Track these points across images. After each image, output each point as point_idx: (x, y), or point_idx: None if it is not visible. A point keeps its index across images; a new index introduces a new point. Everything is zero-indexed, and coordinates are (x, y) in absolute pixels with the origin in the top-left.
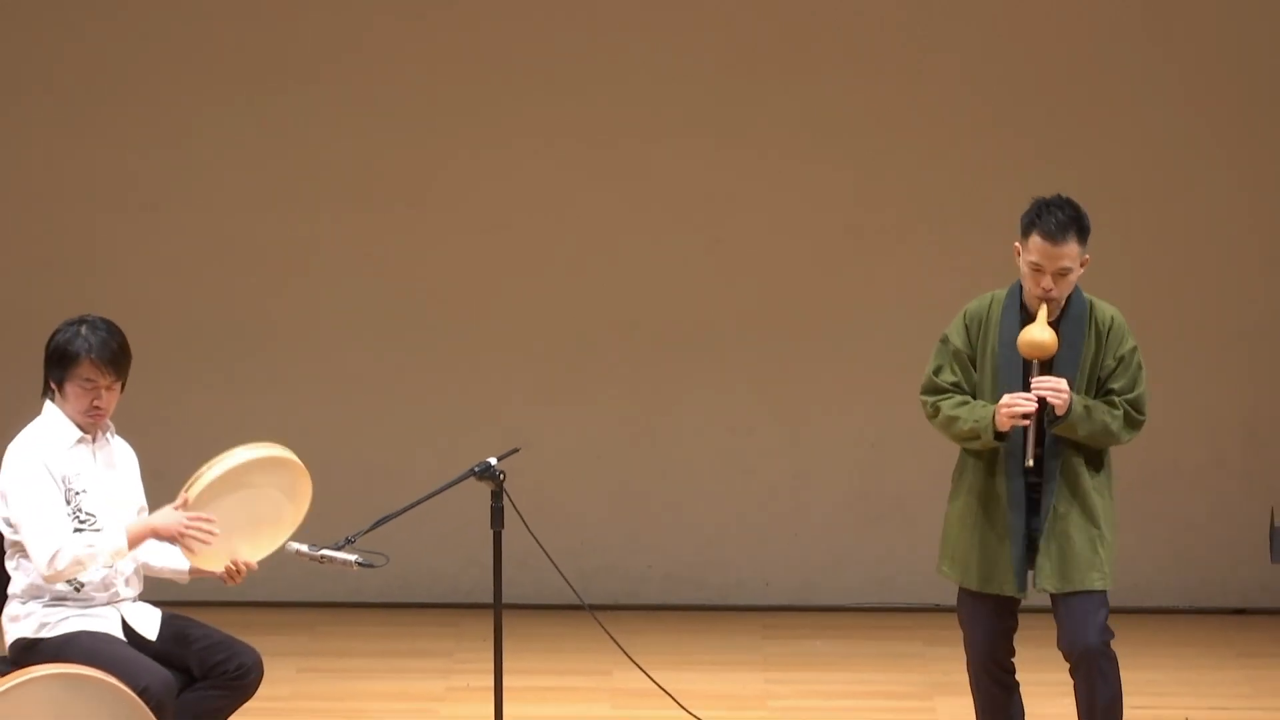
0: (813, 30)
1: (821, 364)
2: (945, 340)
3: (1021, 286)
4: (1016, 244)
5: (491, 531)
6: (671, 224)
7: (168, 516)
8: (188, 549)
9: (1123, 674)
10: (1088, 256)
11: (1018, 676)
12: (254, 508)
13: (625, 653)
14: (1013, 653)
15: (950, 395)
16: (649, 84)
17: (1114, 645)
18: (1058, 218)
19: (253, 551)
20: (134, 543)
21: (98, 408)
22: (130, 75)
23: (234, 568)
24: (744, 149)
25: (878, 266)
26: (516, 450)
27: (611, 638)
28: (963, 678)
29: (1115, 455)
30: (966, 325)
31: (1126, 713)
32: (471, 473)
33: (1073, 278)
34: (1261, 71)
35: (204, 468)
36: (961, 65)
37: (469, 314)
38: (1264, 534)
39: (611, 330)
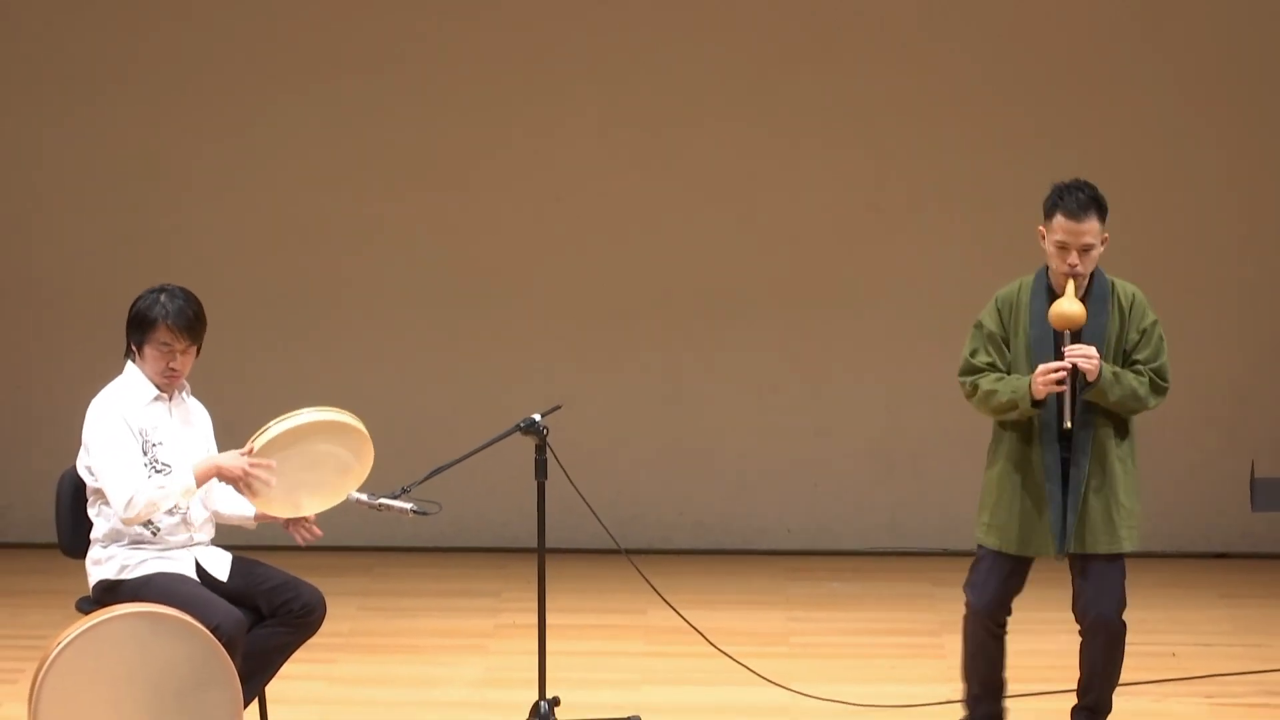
0: (835, 25)
1: (841, 329)
2: (979, 325)
3: (1047, 270)
4: (1040, 227)
5: (536, 482)
6: (705, 202)
7: (232, 458)
8: (249, 490)
9: None
10: (1107, 234)
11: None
12: (316, 465)
13: (659, 593)
14: (1010, 611)
15: (986, 374)
16: (685, 75)
17: None
18: (1079, 198)
19: (314, 503)
20: (201, 479)
21: (173, 369)
22: (205, 68)
23: (306, 531)
24: (772, 133)
25: (894, 241)
26: (559, 407)
27: (646, 579)
28: None
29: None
30: (999, 309)
31: None
32: (517, 428)
33: (1095, 254)
34: (1248, 60)
35: (272, 421)
36: (972, 57)
37: (518, 284)
38: (1245, 485)
39: (648, 298)
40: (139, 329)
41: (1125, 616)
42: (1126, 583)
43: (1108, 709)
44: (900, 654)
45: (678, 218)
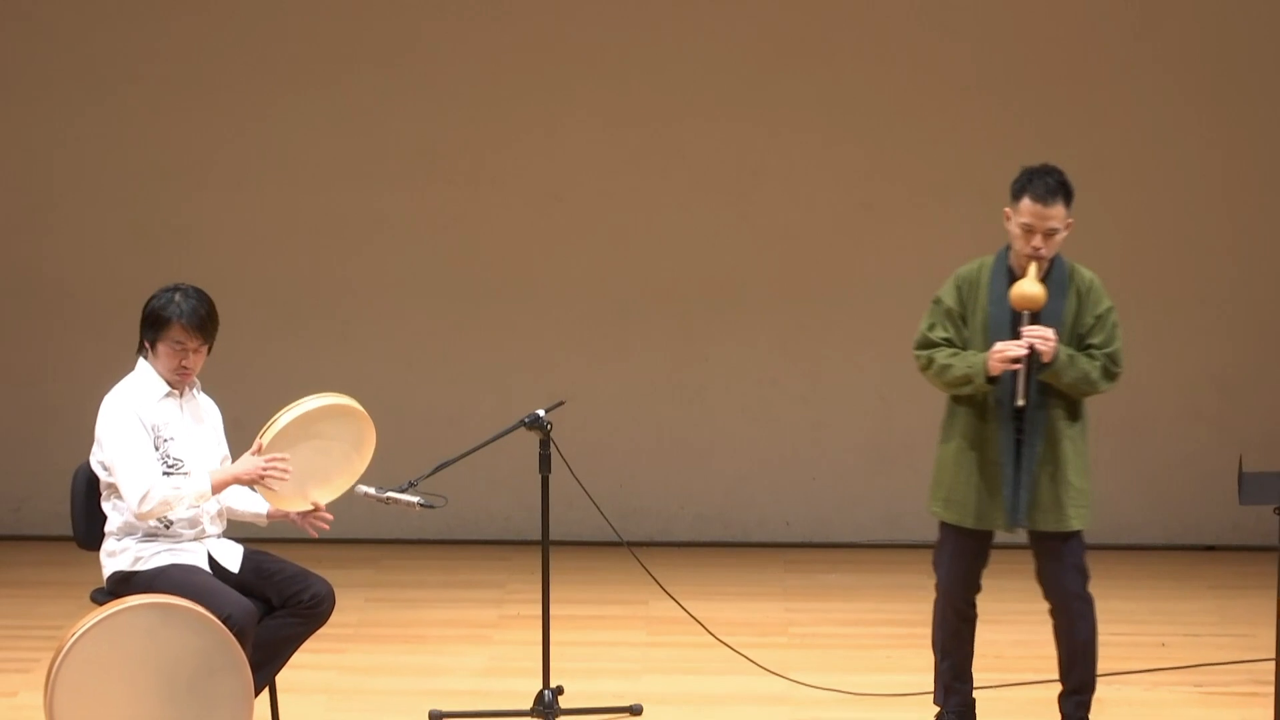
0: (831, 25)
1: (838, 324)
2: (938, 301)
3: (1008, 251)
4: (1007, 209)
5: (540, 476)
6: (704, 198)
7: (247, 463)
8: (267, 489)
9: (1106, 604)
10: (1071, 220)
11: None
12: (324, 452)
13: (660, 584)
14: (979, 589)
15: (941, 348)
16: (684, 74)
17: (1098, 579)
18: (1047, 183)
19: (324, 493)
20: (218, 488)
21: (185, 367)
22: (216, 68)
23: (317, 519)
24: (770, 132)
25: (889, 237)
26: (562, 403)
27: (647, 571)
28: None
29: (1101, 406)
30: (958, 287)
31: (1110, 639)
32: (522, 423)
33: (1059, 238)
34: (1239, 62)
35: (276, 415)
36: (966, 55)
37: (521, 278)
38: (1233, 478)
39: (649, 293)
40: (153, 327)
41: (1117, 606)
42: (1103, 563)
43: (1092, 687)
44: (896, 644)
45: (678, 214)
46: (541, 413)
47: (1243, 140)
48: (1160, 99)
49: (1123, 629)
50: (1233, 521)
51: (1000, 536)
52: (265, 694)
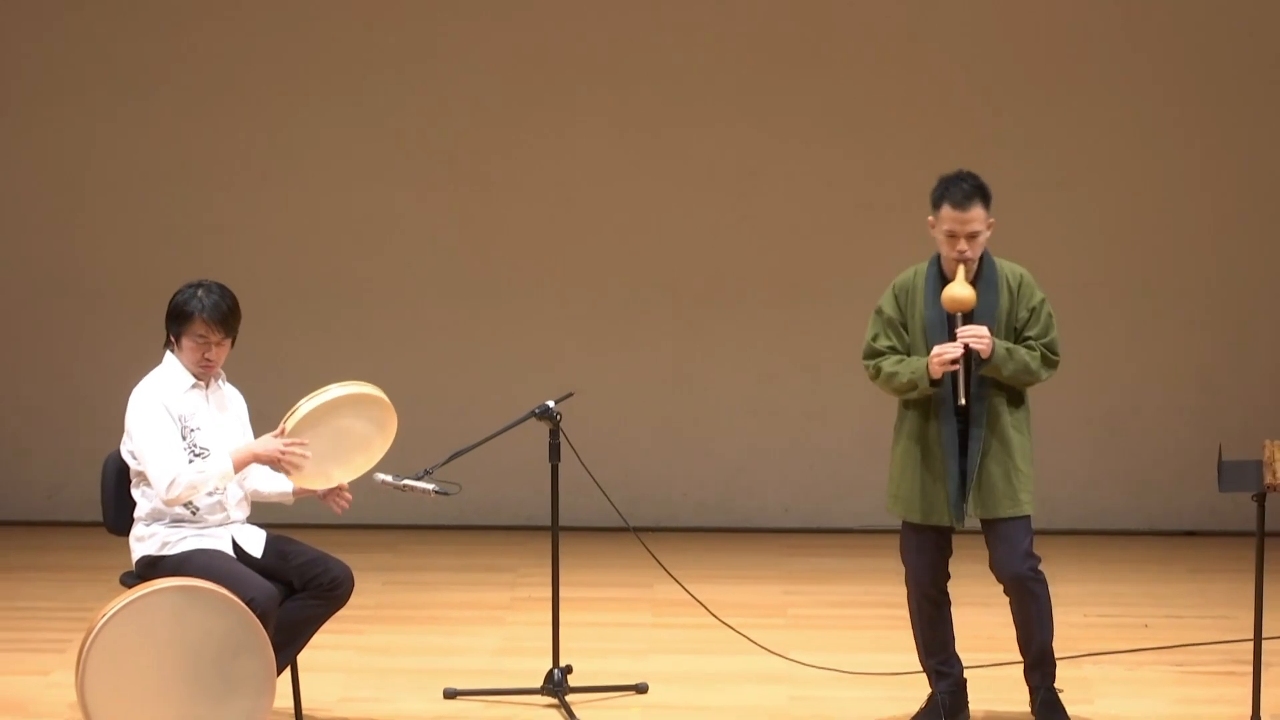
0: (828, 35)
1: (834, 320)
2: (879, 311)
3: (939, 256)
4: (930, 217)
5: (549, 464)
6: (706, 199)
7: (267, 443)
8: (285, 469)
9: (1092, 588)
10: (993, 219)
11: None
12: (345, 437)
13: (664, 568)
14: (948, 577)
15: (887, 356)
16: (688, 80)
17: (1084, 563)
18: (963, 189)
19: (345, 473)
20: (239, 466)
21: (209, 360)
22: (240, 73)
23: (341, 499)
24: (770, 136)
25: (884, 236)
26: (571, 394)
27: (652, 555)
28: (954, 590)
29: (1085, 399)
30: (896, 295)
31: (1095, 621)
32: (532, 414)
33: (982, 239)
34: (1219, 68)
35: (301, 401)
36: (956, 63)
37: (532, 276)
38: (1213, 467)
39: (654, 290)
40: (177, 321)
41: (1102, 589)
42: (1086, 546)
43: (1052, 662)
44: (890, 625)
45: (681, 215)
46: (551, 404)
47: (1222, 144)
48: (1143, 103)
49: (1107, 611)
50: (1212, 508)
51: (971, 523)
52: (287, 673)
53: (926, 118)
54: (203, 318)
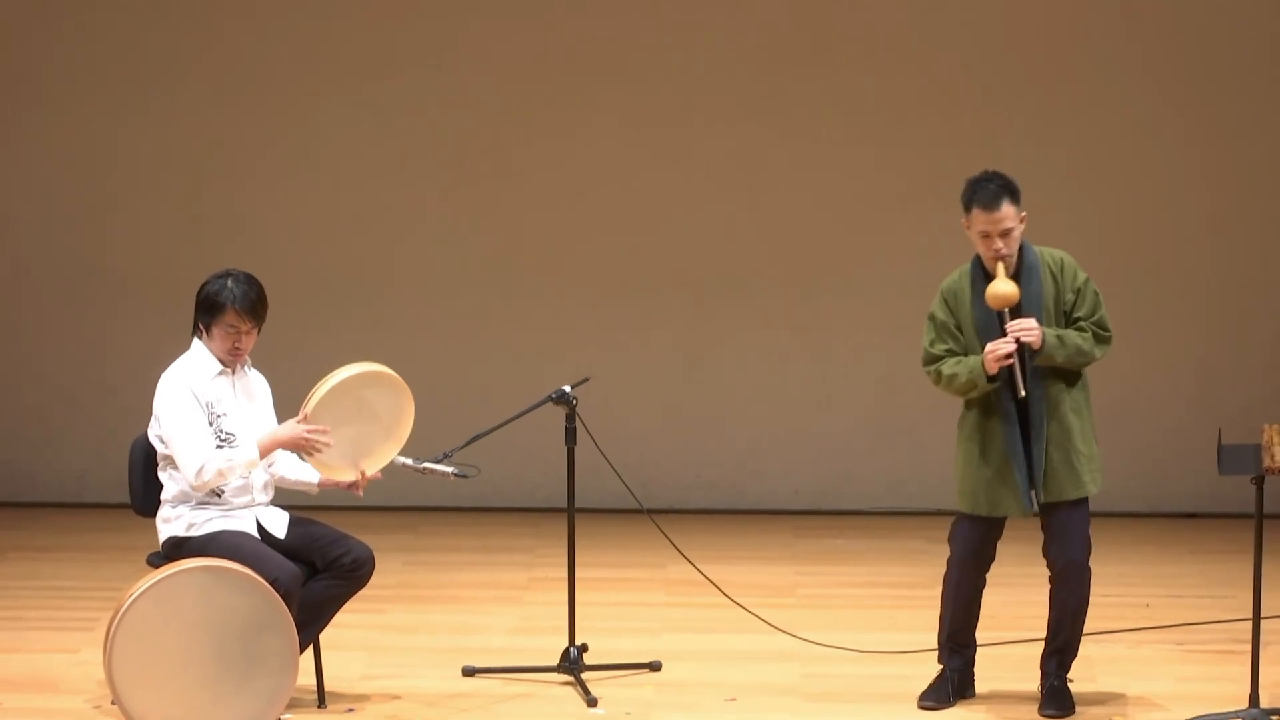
0: (835, 34)
1: (843, 308)
2: (932, 317)
3: (980, 256)
4: (963, 220)
5: (566, 447)
6: (717, 193)
7: (289, 428)
8: (309, 454)
9: (1095, 568)
10: (1024, 213)
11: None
12: (365, 416)
13: (677, 549)
14: (993, 560)
15: (945, 360)
16: (699, 79)
17: None
18: (990, 189)
19: (372, 461)
20: (264, 453)
21: (238, 348)
22: (265, 71)
23: (361, 479)
24: (778, 132)
25: (890, 227)
26: (587, 380)
27: (666, 536)
28: None
29: (1091, 385)
30: (945, 300)
31: (1098, 600)
32: (549, 398)
33: (1017, 234)
34: (1217, 65)
35: (317, 385)
36: (960, 61)
37: (548, 267)
38: (1213, 452)
39: (666, 280)
40: (208, 311)
41: (1104, 569)
42: (1091, 529)
43: (1075, 651)
44: (898, 604)
45: (693, 208)
46: (567, 389)
47: (1220, 141)
48: (1143, 101)
49: (1110, 591)
50: (1212, 491)
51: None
52: (310, 651)
53: (930, 115)
54: (234, 308)
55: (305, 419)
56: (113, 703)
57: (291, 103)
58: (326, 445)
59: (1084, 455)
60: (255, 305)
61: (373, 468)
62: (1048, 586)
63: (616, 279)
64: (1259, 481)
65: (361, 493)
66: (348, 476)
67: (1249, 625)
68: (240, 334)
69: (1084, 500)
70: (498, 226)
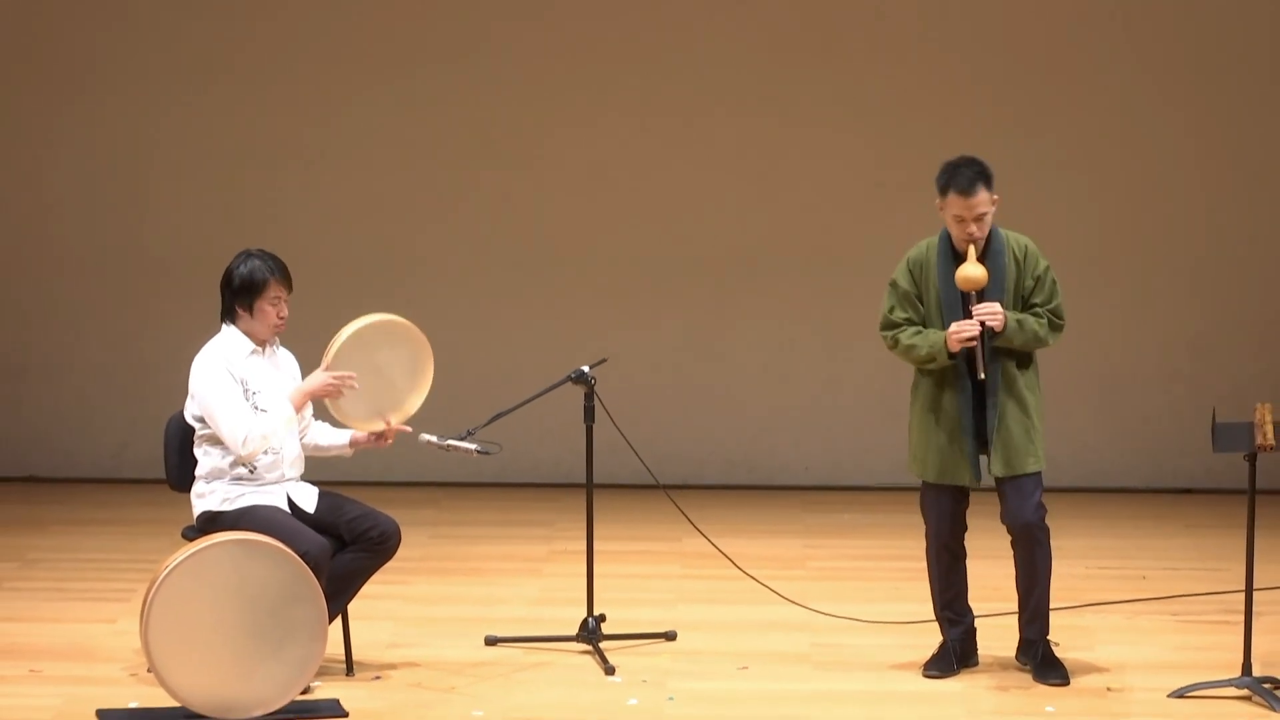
0: (842, 28)
1: (851, 290)
2: (894, 284)
3: (949, 233)
4: (938, 201)
5: (584, 425)
6: (730, 181)
7: (316, 377)
8: (337, 401)
9: (1093, 542)
10: (997, 197)
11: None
12: (385, 366)
13: (692, 523)
14: (965, 529)
15: (904, 328)
16: (712, 70)
17: (1087, 519)
18: (966, 175)
19: (398, 412)
20: (298, 406)
21: (283, 318)
22: (298, 61)
23: (388, 429)
24: (789, 121)
25: (896, 213)
26: (605, 360)
27: (681, 511)
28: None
29: (1087, 365)
30: (910, 269)
31: (1096, 573)
32: (569, 378)
33: (989, 218)
34: (1209, 55)
35: (334, 336)
36: (962, 55)
37: (568, 251)
38: (1207, 429)
39: (682, 265)
40: (249, 292)
41: (1103, 543)
42: (1091, 504)
43: (1047, 613)
44: (904, 577)
45: (707, 195)
46: (586, 369)
47: (1213, 124)
48: (1136, 90)
49: (1108, 564)
50: (1206, 467)
51: (985, 481)
52: (338, 621)
53: (934, 105)
54: (275, 280)
55: (326, 368)
56: (149, 670)
57: (323, 95)
58: (353, 388)
59: (1038, 431)
60: (287, 273)
61: (398, 419)
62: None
63: (634, 263)
64: (1251, 458)
65: (390, 441)
66: (375, 426)
67: (1242, 597)
68: (283, 303)
69: (1038, 472)
70: (520, 213)
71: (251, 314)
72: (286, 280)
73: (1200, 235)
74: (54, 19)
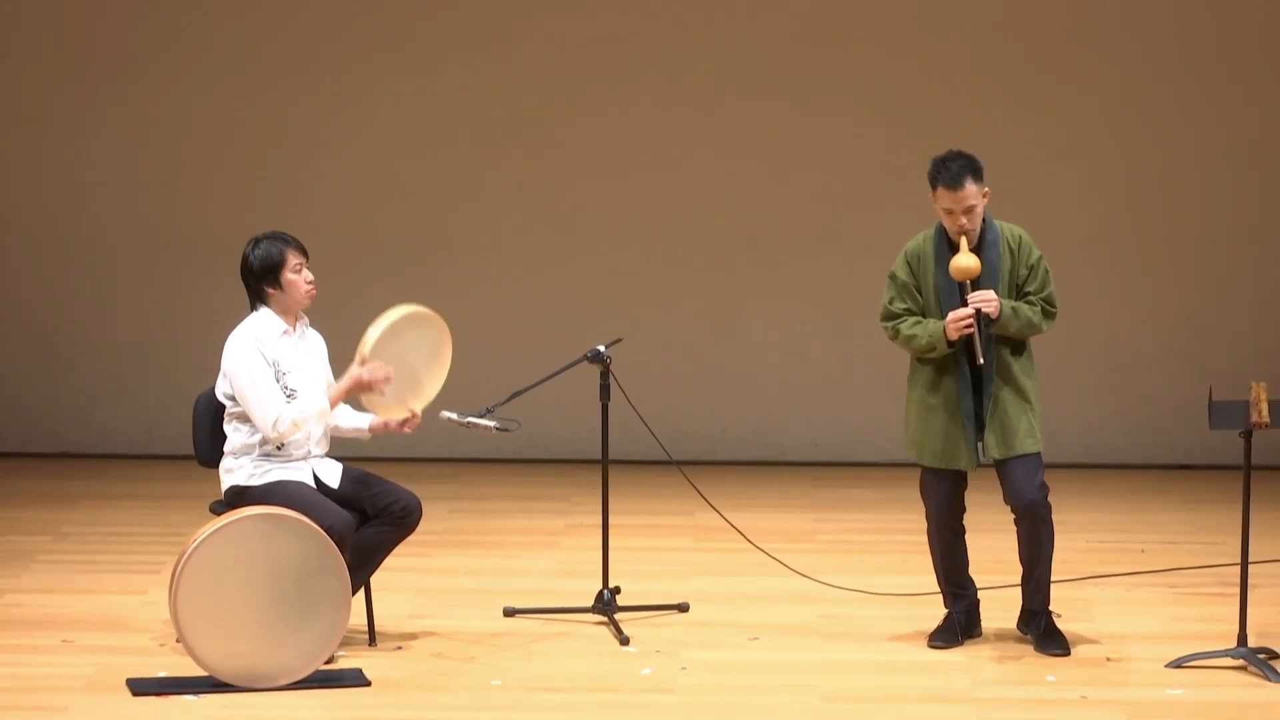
0: (852, 18)
1: (860, 271)
2: (893, 276)
3: (944, 225)
4: (930, 195)
5: (600, 403)
6: (744, 164)
7: (354, 373)
8: (377, 394)
9: (1093, 516)
10: (987, 190)
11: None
12: (411, 356)
13: (704, 498)
14: (964, 510)
15: (904, 319)
16: (728, 59)
17: (1087, 494)
18: (953, 169)
19: (420, 398)
20: (334, 403)
21: (311, 283)
22: (326, 48)
23: (412, 417)
24: (802, 108)
25: (904, 196)
26: (620, 340)
27: (694, 486)
28: (966, 519)
29: (1087, 344)
30: (908, 261)
31: (1096, 546)
32: (585, 357)
33: (979, 210)
34: (1207, 42)
35: (369, 330)
36: (967, 43)
37: (586, 233)
38: (1205, 406)
39: (696, 245)
40: (270, 269)
41: (1102, 517)
42: (1090, 480)
43: (1049, 587)
44: (910, 550)
45: (722, 178)
46: (602, 348)
47: (1211, 105)
48: (1135, 77)
49: (1107, 537)
50: (1203, 444)
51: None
52: (361, 593)
53: (941, 92)
54: (290, 248)
55: (363, 361)
56: (177, 640)
57: (353, 80)
58: (389, 381)
59: (1037, 413)
60: (299, 242)
61: (420, 404)
62: (999, 533)
63: (650, 244)
64: (1247, 435)
65: (411, 430)
66: (400, 415)
67: (1238, 570)
68: (305, 269)
69: (1037, 453)
70: (540, 197)
71: (282, 288)
72: (301, 248)
73: (1199, 217)
74: (89, 9)
